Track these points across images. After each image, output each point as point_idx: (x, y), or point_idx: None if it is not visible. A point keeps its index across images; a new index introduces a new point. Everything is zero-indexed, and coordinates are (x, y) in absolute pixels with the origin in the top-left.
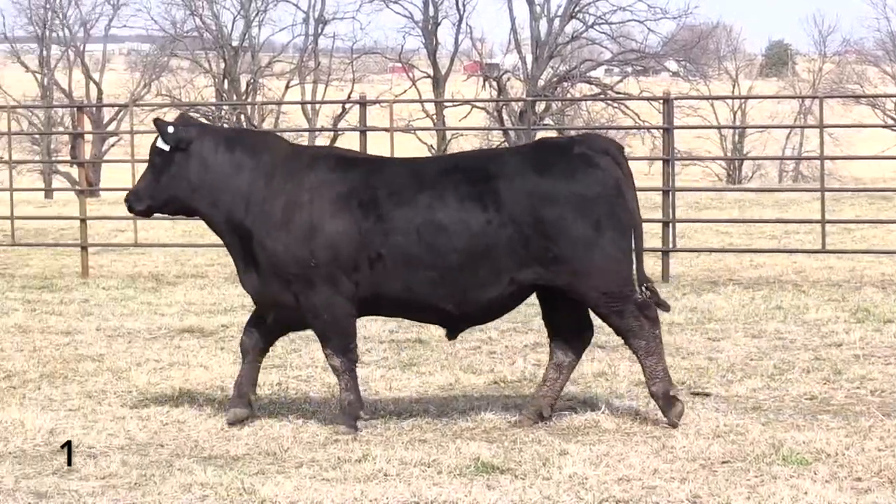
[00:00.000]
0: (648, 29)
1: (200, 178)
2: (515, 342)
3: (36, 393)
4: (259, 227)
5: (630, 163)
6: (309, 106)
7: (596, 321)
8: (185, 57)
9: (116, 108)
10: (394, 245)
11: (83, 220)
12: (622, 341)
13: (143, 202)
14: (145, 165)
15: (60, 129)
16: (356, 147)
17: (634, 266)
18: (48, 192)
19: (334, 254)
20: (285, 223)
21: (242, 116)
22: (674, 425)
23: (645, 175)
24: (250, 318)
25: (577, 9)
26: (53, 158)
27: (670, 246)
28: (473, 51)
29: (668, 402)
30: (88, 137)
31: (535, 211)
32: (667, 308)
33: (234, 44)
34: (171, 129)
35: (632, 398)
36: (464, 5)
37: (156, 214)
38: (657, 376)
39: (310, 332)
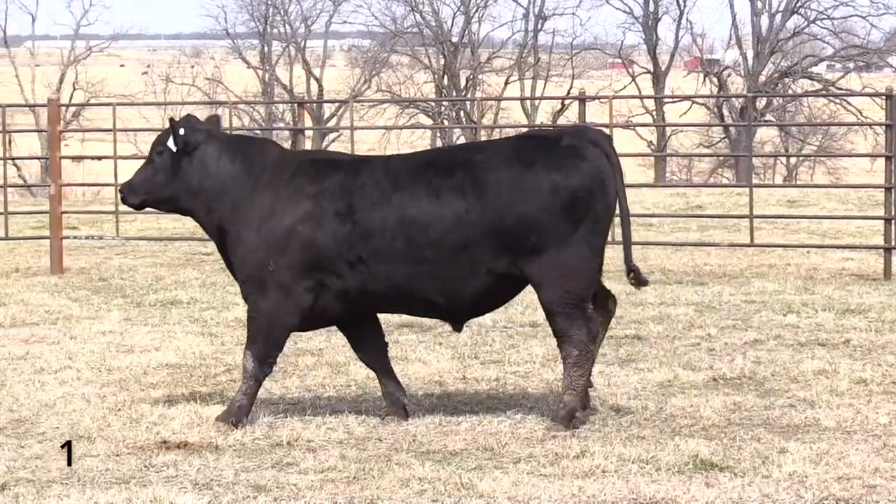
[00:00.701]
0: (871, 24)
1: (200, 183)
2: (734, 339)
3: None
4: (236, 230)
5: (851, 160)
6: (528, 102)
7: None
8: (405, 53)
9: (337, 104)
10: (373, 246)
11: None
12: (556, 344)
13: (139, 196)
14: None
15: (281, 125)
16: None
17: (623, 253)
18: None
19: (306, 259)
20: (258, 227)
21: (462, 112)
22: (558, 428)
23: (867, 172)
24: (347, 337)
25: (798, 4)
26: None
27: (892, 243)
28: (694, 46)
29: (568, 416)
30: (309, 133)
31: (516, 202)
32: (645, 283)
33: (454, 40)
34: (182, 131)
35: (852, 396)
36: (684, 1)
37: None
38: (575, 389)
39: (526, 329)
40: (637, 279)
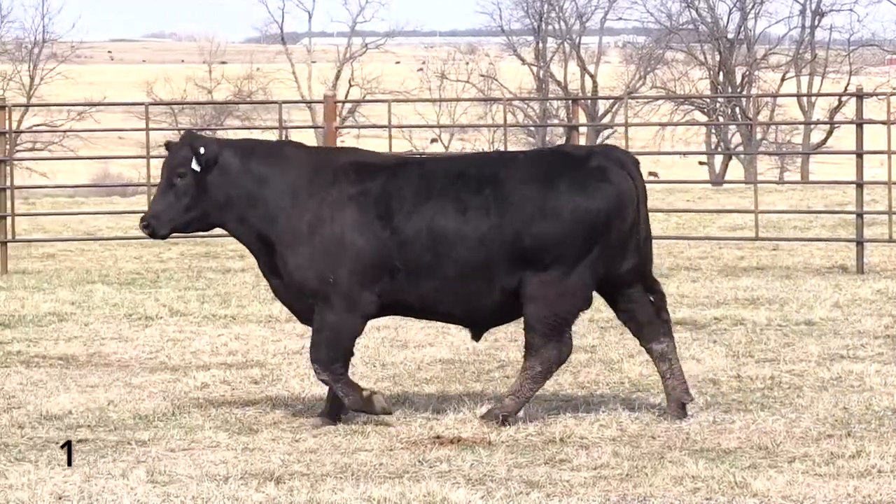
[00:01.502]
0: None
1: (227, 194)
2: None
3: None
4: (283, 242)
5: None
6: (804, 99)
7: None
8: (680, 49)
9: (611, 101)
10: (407, 256)
11: None
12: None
13: (167, 226)
14: (162, 186)
15: (555, 121)
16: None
17: (644, 268)
18: None
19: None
20: (308, 238)
21: (737, 109)
22: (498, 422)
23: None
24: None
25: None
26: None
27: None
28: None
29: (502, 416)
30: (583, 130)
31: (539, 222)
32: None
33: (730, 36)
34: (202, 150)
35: None
36: None
37: None
38: (518, 397)
39: (801, 327)
40: (656, 302)
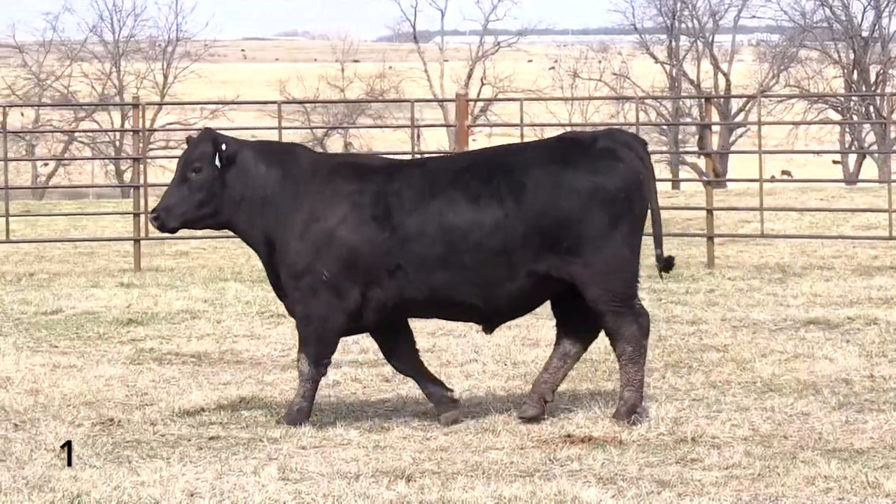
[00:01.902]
0: None
1: (242, 193)
2: None
3: (660, 382)
4: (284, 239)
5: None
6: None
7: None
8: (813, 48)
9: (744, 100)
10: (412, 252)
11: (709, 211)
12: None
13: (177, 219)
14: (177, 180)
15: (688, 119)
16: None
17: (654, 248)
18: (675, 182)
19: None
20: (303, 234)
21: (871, 108)
22: (620, 424)
23: None
24: (383, 348)
25: None
26: (681, 149)
27: None
28: None
29: (630, 411)
30: (716, 128)
31: (556, 202)
32: (671, 266)
33: (864, 34)
34: (224, 147)
35: None
36: None
37: None
38: (633, 385)
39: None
40: (666, 264)
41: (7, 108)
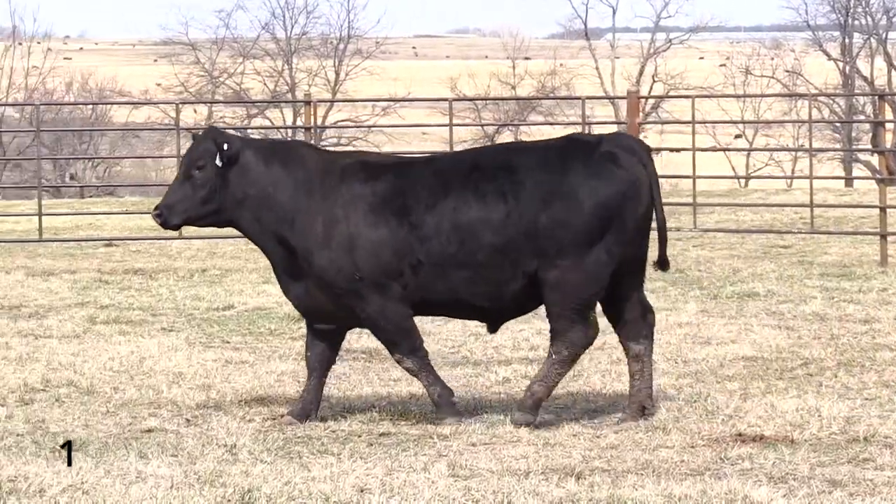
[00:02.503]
0: None
1: (245, 192)
2: None
3: (833, 381)
4: (305, 247)
5: None
6: None
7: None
8: None
9: None
10: (429, 249)
11: (883, 209)
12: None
13: (180, 216)
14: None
15: (861, 117)
16: None
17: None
18: (848, 180)
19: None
20: (326, 240)
21: None
22: (525, 417)
23: None
24: (309, 334)
25: None
26: (854, 147)
27: None
28: None
29: (534, 406)
30: (889, 126)
31: (553, 205)
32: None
33: None
34: (225, 147)
35: None
36: None
37: None
38: (547, 383)
39: None
40: (662, 265)
41: (180, 105)
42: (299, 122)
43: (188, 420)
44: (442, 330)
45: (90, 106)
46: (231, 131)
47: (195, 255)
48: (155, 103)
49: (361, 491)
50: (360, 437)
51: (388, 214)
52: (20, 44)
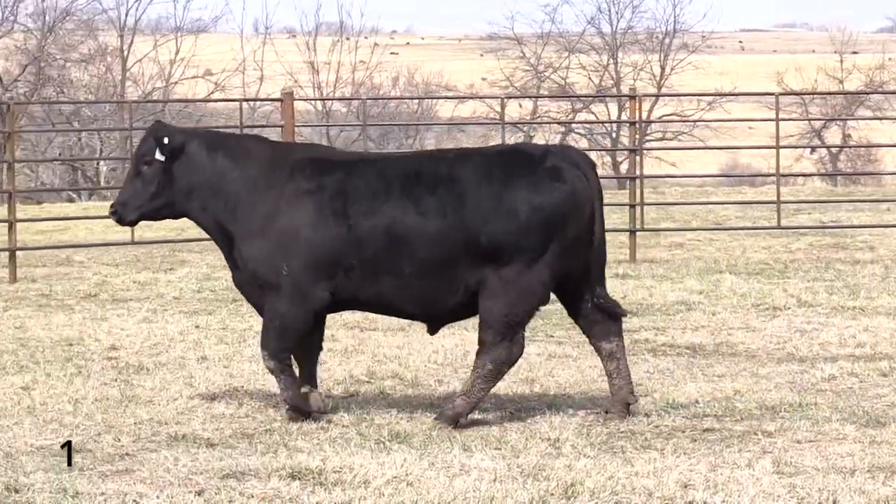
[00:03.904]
0: None
1: (190, 183)
2: None
3: None
4: (240, 234)
5: None
6: None
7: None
8: None
9: None
10: (365, 255)
11: None
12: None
13: (134, 212)
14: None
15: None
16: None
17: (593, 276)
18: None
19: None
20: (263, 230)
21: None
22: (441, 426)
23: None
24: None
25: None
26: None
27: None
28: None
29: (454, 418)
30: None
31: (495, 218)
32: (623, 313)
33: None
34: (166, 141)
35: None
36: None
37: None
38: (470, 397)
39: None
40: (600, 304)
41: (505, 100)
42: (624, 117)
43: (511, 413)
44: (767, 326)
45: (416, 101)
46: (554, 125)
47: None
48: (480, 98)
49: (685, 487)
50: (683, 432)
51: (329, 214)
52: (347, 39)
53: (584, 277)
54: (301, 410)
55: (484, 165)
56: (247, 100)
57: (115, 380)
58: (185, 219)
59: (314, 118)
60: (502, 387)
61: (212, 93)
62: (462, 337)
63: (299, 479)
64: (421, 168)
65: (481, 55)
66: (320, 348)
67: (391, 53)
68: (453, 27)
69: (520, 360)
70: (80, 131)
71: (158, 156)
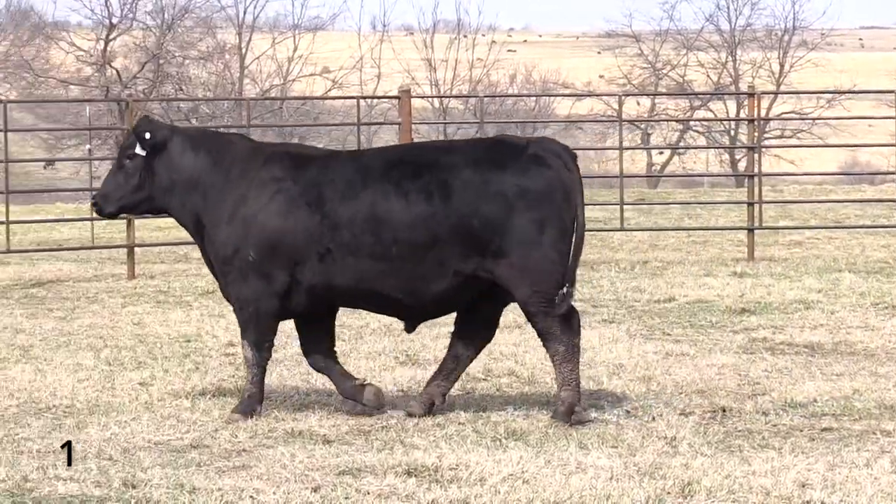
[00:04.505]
0: None
1: (171, 179)
2: None
3: None
4: (210, 221)
5: None
6: None
7: None
8: None
9: None
10: (341, 240)
11: None
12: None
13: (114, 204)
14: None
15: None
16: None
17: (567, 266)
18: None
19: (275, 250)
20: (231, 217)
21: None
22: (559, 424)
23: None
24: (301, 339)
25: None
26: None
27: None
28: None
29: (568, 410)
30: None
31: (485, 203)
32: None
33: None
34: (147, 136)
35: None
36: None
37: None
38: (569, 384)
39: None
40: (569, 294)
41: (623, 98)
42: (742, 115)
43: (628, 412)
44: (886, 325)
45: (533, 98)
46: (671, 123)
47: (637, 246)
48: (598, 95)
49: (802, 486)
50: (801, 431)
51: (302, 204)
52: (465, 36)
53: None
54: (249, 413)
55: (471, 154)
56: (364, 97)
57: (232, 376)
58: None
59: (431, 116)
60: (619, 385)
61: (329, 90)
62: None
63: (415, 475)
64: (405, 157)
65: (599, 52)
66: (333, 348)
67: (508, 51)
68: (571, 24)
69: (637, 358)
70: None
71: (139, 150)
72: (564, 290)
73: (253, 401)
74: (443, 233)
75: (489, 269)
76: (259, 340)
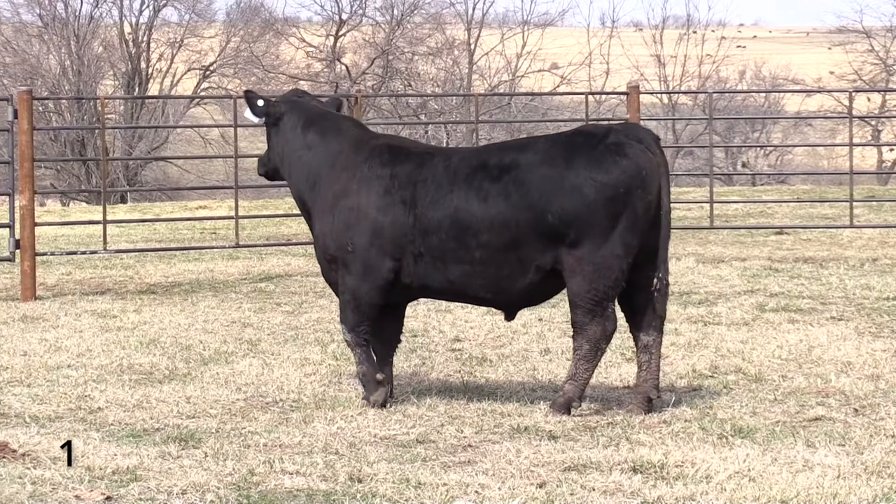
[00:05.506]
0: None
1: (283, 152)
2: None
3: None
4: (314, 206)
5: None
6: None
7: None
8: None
9: None
10: (430, 244)
11: None
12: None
13: (261, 168)
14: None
15: None
16: None
17: (661, 254)
18: None
19: (373, 244)
20: (332, 207)
21: None
22: (555, 415)
23: None
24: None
25: None
26: None
27: None
28: None
29: (566, 404)
30: None
31: (559, 197)
32: (662, 314)
33: None
34: (259, 103)
35: None
36: None
37: None
38: (577, 380)
39: None
40: (661, 281)
41: (853, 94)
42: None
43: (856, 409)
44: None
45: (762, 94)
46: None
47: (866, 244)
48: (828, 91)
49: None
50: None
51: (398, 201)
52: (694, 32)
53: (652, 254)
54: (371, 388)
55: (548, 149)
56: (592, 93)
57: (458, 371)
58: None
59: (660, 111)
60: (847, 383)
61: (557, 86)
62: (807, 332)
63: (641, 472)
64: (487, 158)
65: (829, 48)
66: (398, 340)
67: (738, 46)
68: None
69: (865, 356)
70: (427, 124)
71: (248, 115)
72: (656, 277)
73: (370, 375)
74: (521, 232)
75: (561, 261)
76: (355, 323)
